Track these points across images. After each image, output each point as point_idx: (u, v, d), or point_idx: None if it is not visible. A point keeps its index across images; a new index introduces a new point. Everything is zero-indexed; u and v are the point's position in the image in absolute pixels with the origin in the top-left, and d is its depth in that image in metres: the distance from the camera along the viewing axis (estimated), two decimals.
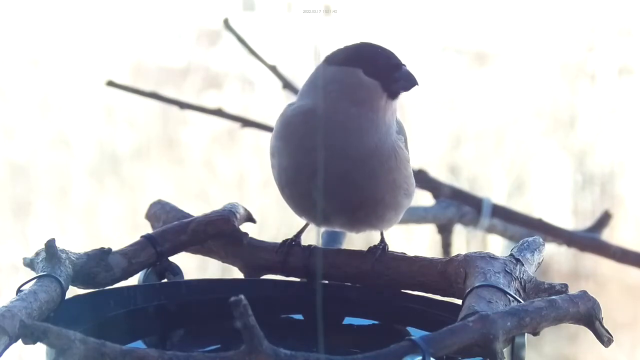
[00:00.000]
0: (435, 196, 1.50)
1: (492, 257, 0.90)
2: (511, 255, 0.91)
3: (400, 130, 0.94)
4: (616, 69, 3.58)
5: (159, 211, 1.02)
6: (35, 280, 0.85)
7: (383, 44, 0.94)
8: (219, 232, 0.96)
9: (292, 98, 1.42)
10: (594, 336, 0.84)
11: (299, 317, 0.96)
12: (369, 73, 0.91)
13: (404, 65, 0.92)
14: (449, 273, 0.91)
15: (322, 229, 1.13)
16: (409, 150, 0.97)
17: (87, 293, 0.90)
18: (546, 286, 0.89)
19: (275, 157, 0.94)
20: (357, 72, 0.91)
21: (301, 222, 1.00)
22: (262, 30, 3.51)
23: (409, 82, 0.92)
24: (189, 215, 0.99)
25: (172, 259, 0.96)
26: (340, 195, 0.91)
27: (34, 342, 0.72)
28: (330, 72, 0.92)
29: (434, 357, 0.74)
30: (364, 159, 0.90)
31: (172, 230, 0.96)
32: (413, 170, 0.97)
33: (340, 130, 0.90)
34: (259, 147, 3.18)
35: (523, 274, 0.89)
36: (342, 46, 0.93)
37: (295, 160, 0.92)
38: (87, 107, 3.51)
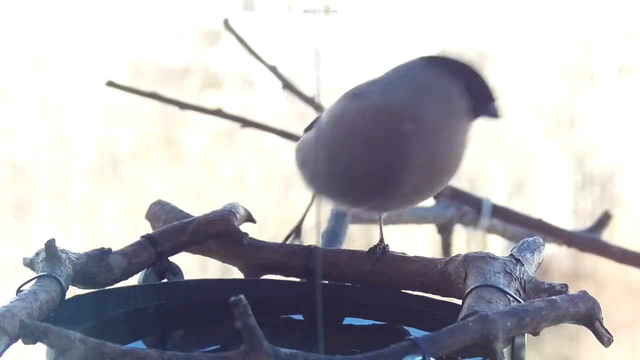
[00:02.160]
0: (435, 196, 1.50)
1: (492, 257, 0.90)
2: (511, 255, 0.91)
3: None
4: (616, 69, 3.58)
5: (159, 211, 1.02)
6: (35, 280, 0.85)
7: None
8: (219, 232, 0.96)
9: (292, 98, 1.42)
10: (594, 336, 0.84)
11: (299, 317, 0.96)
12: (469, 90, 0.91)
13: (496, 99, 0.92)
14: (449, 273, 0.91)
15: (322, 229, 1.13)
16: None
17: (87, 293, 0.90)
18: (546, 286, 0.89)
19: (338, 140, 0.91)
20: (458, 85, 0.90)
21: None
22: (262, 30, 3.51)
23: (494, 114, 0.92)
24: (189, 215, 0.99)
25: (172, 259, 0.96)
26: (405, 189, 0.91)
27: (34, 342, 0.72)
28: (431, 74, 0.91)
29: (434, 357, 0.74)
30: (441, 165, 0.90)
31: (172, 230, 0.96)
32: None
33: (430, 134, 0.89)
34: (259, 147, 3.18)
35: (523, 274, 0.89)
36: (446, 53, 0.93)
37: (371, 150, 0.90)
38: (87, 107, 3.51)
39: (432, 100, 0.90)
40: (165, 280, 0.96)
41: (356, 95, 0.92)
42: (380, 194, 0.92)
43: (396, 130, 0.89)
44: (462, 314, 0.82)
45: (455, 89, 0.90)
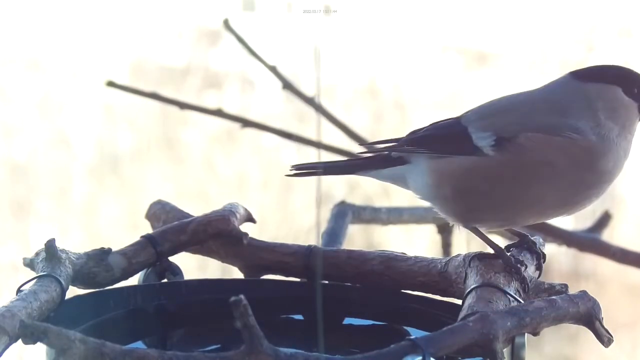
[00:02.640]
0: None
1: (492, 257, 0.90)
2: (511, 255, 0.91)
3: None
4: None
5: (159, 211, 1.02)
6: (35, 280, 0.85)
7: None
8: (219, 232, 0.96)
9: (292, 98, 1.42)
10: (594, 336, 0.84)
11: (299, 317, 0.96)
12: (628, 93, 0.91)
13: None
14: (449, 273, 0.91)
15: (322, 229, 1.13)
16: None
17: (87, 293, 0.90)
18: (546, 286, 0.89)
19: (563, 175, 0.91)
20: (617, 91, 0.91)
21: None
22: (262, 30, 3.50)
23: None
24: (189, 215, 0.99)
25: (172, 259, 0.96)
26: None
27: (34, 342, 0.72)
28: (594, 89, 0.91)
29: (434, 357, 0.74)
30: (612, 177, 0.91)
31: (172, 230, 0.96)
32: None
33: (613, 155, 0.91)
34: (259, 147, 3.18)
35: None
36: (593, 65, 0.93)
37: (579, 186, 0.91)
38: (87, 107, 3.50)
39: (603, 118, 0.90)
40: (165, 280, 0.96)
41: (541, 122, 0.91)
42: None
43: (602, 171, 0.90)
44: (462, 314, 0.82)
45: (617, 97, 0.91)
